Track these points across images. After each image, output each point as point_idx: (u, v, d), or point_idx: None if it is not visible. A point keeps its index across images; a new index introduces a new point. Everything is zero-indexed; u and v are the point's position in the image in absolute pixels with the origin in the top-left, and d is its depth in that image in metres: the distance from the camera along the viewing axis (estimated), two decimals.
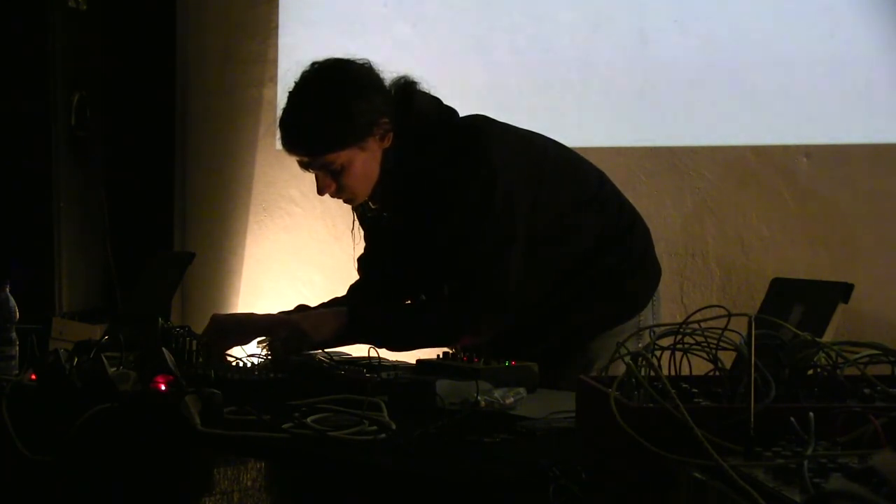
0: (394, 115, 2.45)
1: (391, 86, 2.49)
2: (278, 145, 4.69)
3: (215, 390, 1.97)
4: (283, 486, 2.24)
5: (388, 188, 2.49)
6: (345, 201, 2.54)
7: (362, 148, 2.43)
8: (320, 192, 2.49)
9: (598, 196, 2.60)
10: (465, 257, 2.42)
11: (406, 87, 2.50)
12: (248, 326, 2.57)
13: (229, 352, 2.63)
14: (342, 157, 2.42)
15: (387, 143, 2.46)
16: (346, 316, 2.44)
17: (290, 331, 2.40)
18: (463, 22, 4.24)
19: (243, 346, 2.66)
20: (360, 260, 2.77)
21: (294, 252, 4.59)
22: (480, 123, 2.52)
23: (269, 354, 2.42)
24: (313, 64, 2.50)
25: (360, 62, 2.49)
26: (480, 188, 2.41)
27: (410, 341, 2.49)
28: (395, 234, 2.57)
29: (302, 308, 2.68)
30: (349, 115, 2.42)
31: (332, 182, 2.46)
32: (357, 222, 2.72)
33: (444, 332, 2.44)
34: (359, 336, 2.46)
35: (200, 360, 2.33)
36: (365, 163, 2.45)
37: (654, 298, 2.64)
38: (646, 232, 2.68)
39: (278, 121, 2.50)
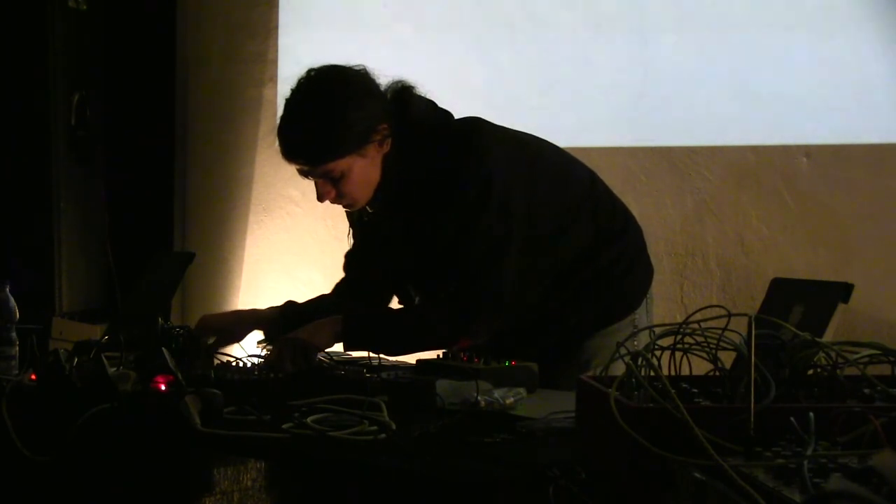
0: (391, 120, 2.45)
1: (387, 90, 2.49)
2: (278, 146, 4.70)
3: (215, 390, 1.97)
4: (283, 486, 2.24)
5: (387, 193, 2.49)
6: (344, 206, 2.54)
7: (362, 155, 2.43)
8: (320, 198, 2.48)
9: (592, 196, 2.61)
10: (462, 258, 2.42)
11: (402, 91, 2.49)
12: (237, 325, 2.59)
13: (229, 352, 2.64)
14: (342, 164, 2.42)
15: (386, 149, 2.46)
16: (340, 324, 2.43)
17: (293, 347, 2.38)
18: (463, 22, 4.24)
19: (241, 345, 2.67)
20: (348, 257, 2.77)
21: (294, 252, 4.59)
22: (476, 126, 2.52)
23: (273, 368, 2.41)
24: (309, 71, 2.48)
25: (357, 68, 2.48)
26: (477, 190, 2.41)
27: (406, 345, 2.49)
28: (388, 237, 2.57)
29: (290, 304, 2.68)
30: (347, 124, 2.41)
31: (331, 189, 2.46)
32: (351, 226, 2.72)
33: (440, 334, 2.44)
34: (354, 343, 2.46)
35: (197, 360, 2.34)
36: (364, 169, 2.44)
37: (648, 297, 2.65)
38: (639, 231, 2.69)
39: (276, 129, 2.48)
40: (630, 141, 3.89)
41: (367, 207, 2.54)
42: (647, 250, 2.71)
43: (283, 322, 2.59)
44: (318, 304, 2.68)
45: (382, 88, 2.49)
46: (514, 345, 2.48)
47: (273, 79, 4.62)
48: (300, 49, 4.56)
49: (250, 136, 4.68)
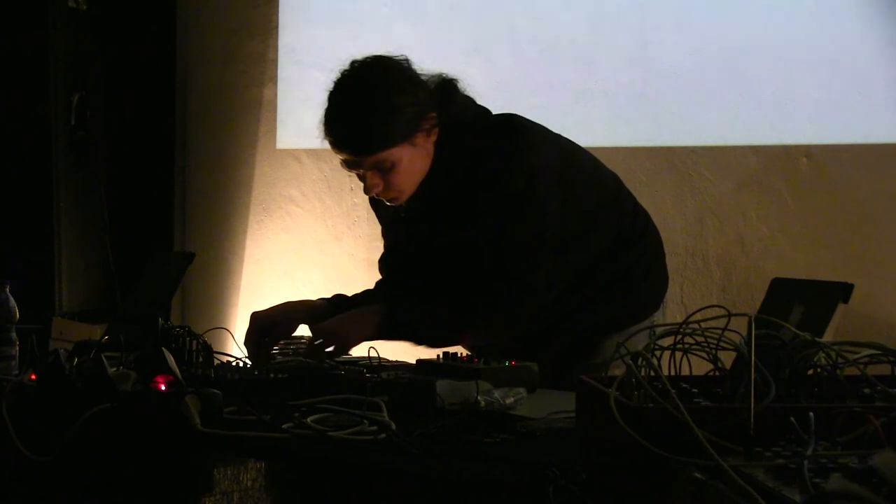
0: (438, 109, 2.43)
1: (429, 81, 2.47)
2: (278, 145, 4.70)
3: (215, 390, 1.97)
4: (283, 486, 2.24)
5: (431, 185, 2.46)
6: (388, 200, 2.49)
7: (412, 144, 2.40)
8: (367, 191, 2.45)
9: (617, 198, 2.62)
10: (504, 252, 2.41)
11: (446, 83, 2.48)
12: (287, 319, 2.56)
13: (229, 351, 2.64)
14: (394, 154, 2.39)
15: (433, 138, 2.44)
16: (382, 313, 2.41)
17: (330, 336, 2.37)
18: (463, 22, 4.24)
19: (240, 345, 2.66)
20: (383, 261, 2.75)
21: (294, 252, 4.59)
22: (518, 121, 2.52)
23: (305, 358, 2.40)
24: (352, 62, 2.46)
25: (400, 58, 2.46)
26: (522, 185, 2.41)
27: (448, 338, 2.46)
28: (428, 231, 2.54)
29: (339, 296, 2.67)
30: (399, 111, 2.39)
31: (380, 181, 2.42)
32: (383, 223, 2.70)
33: (482, 326, 2.43)
34: (397, 332, 2.44)
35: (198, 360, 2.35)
36: (413, 159, 2.42)
37: (664, 303, 2.66)
38: (657, 235, 2.69)
39: (322, 121, 2.44)
40: (630, 141, 3.89)
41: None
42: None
43: (332, 314, 2.56)
44: (365, 298, 2.65)
45: (425, 79, 2.47)
46: (532, 343, 2.47)
47: (273, 79, 4.62)
48: (300, 49, 4.56)
49: (250, 137, 4.69)
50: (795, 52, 3.63)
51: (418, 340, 2.44)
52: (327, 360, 2.40)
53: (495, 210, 2.42)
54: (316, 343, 2.40)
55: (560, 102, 3.96)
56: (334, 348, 2.40)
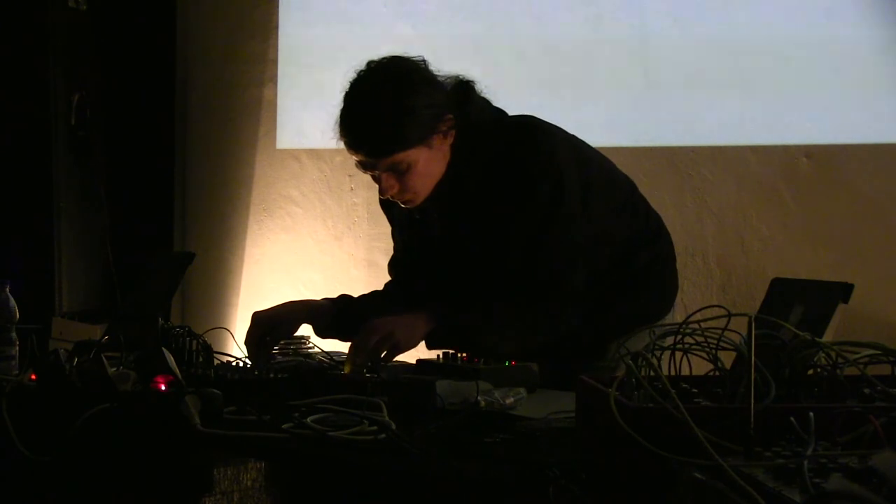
0: (455, 111, 2.42)
1: (446, 83, 2.45)
2: (278, 145, 4.71)
3: (215, 390, 1.97)
4: (283, 486, 2.24)
5: (449, 187, 2.45)
6: (402, 202, 2.47)
7: (429, 146, 2.39)
8: (383, 193, 2.43)
9: (631, 200, 2.61)
10: (542, 255, 2.40)
11: (463, 84, 2.47)
12: (289, 319, 2.54)
13: (229, 351, 2.63)
14: (410, 155, 2.37)
15: (450, 140, 2.42)
16: (434, 320, 2.37)
17: (388, 339, 2.31)
18: (463, 22, 4.24)
19: (240, 345, 2.66)
20: (393, 263, 2.73)
21: (294, 252, 4.59)
22: (537, 122, 2.51)
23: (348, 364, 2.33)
24: (369, 63, 2.44)
25: (417, 59, 2.45)
26: (550, 187, 2.40)
27: (500, 346, 2.42)
28: (445, 235, 2.52)
29: (344, 297, 2.65)
30: (415, 112, 2.37)
31: (396, 183, 2.40)
32: (394, 225, 2.69)
33: (535, 328, 2.42)
34: (447, 340, 2.41)
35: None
36: (429, 161, 2.40)
37: (673, 306, 2.65)
38: (669, 239, 2.68)
39: (338, 122, 2.41)
40: (630, 141, 3.89)
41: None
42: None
43: (335, 314, 2.56)
44: (371, 300, 2.64)
45: (441, 80, 2.46)
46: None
47: (273, 79, 4.62)
48: (300, 49, 4.56)
49: (250, 136, 4.68)
50: (796, 52, 3.64)
51: (465, 349, 2.42)
52: (375, 368, 2.29)
53: (526, 213, 2.40)
54: (372, 346, 2.29)
55: (560, 102, 3.96)
56: (386, 354, 2.31)
